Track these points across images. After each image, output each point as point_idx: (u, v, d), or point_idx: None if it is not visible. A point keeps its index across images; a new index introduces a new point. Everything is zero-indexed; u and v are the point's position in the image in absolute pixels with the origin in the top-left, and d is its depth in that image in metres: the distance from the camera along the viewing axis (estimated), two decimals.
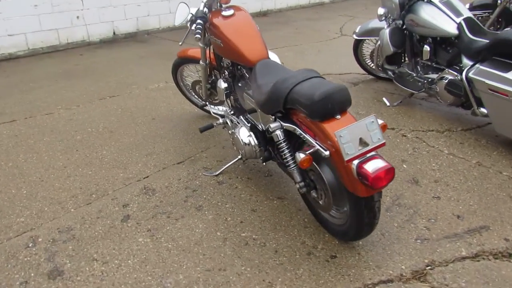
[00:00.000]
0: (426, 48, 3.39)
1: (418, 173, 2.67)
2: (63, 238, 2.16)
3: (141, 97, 4.01)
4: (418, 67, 3.57)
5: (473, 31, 3.10)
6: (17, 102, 3.93)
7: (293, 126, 1.91)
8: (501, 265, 1.94)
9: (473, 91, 2.97)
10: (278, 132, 2.00)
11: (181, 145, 3.09)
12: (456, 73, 3.11)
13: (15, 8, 5.16)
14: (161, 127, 3.37)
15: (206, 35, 2.61)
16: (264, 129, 2.27)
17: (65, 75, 4.69)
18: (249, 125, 2.38)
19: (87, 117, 3.59)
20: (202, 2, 2.57)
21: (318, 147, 1.75)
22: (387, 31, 3.51)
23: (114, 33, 6.16)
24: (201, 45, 2.68)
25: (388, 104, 3.69)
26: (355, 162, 1.63)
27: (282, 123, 1.98)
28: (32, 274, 1.93)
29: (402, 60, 3.72)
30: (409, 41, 3.54)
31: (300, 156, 1.74)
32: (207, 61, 2.78)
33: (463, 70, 3.02)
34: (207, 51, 2.74)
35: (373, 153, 1.66)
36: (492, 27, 4.14)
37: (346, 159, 1.60)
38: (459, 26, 3.14)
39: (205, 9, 2.53)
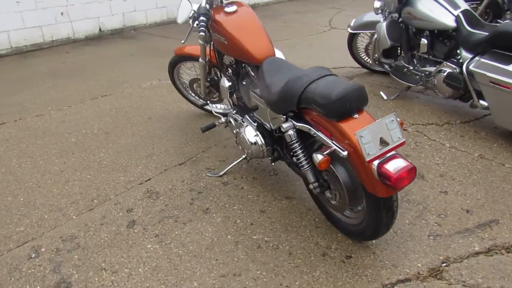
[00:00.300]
0: (424, 41, 3.37)
1: (423, 168, 2.66)
2: (67, 247, 2.07)
3: (135, 96, 3.90)
4: (415, 60, 3.56)
5: (471, 23, 3.09)
6: (5, 104, 3.77)
7: (308, 126, 1.86)
8: None
9: (473, 84, 2.97)
10: (291, 132, 1.94)
11: (181, 145, 3.01)
12: (454, 66, 3.11)
13: None
14: (159, 127, 3.28)
15: (208, 32, 2.53)
16: (272, 128, 2.21)
17: (53, 74, 4.53)
18: (255, 124, 2.32)
19: (80, 118, 3.47)
20: None
21: (335, 147, 1.71)
22: (384, 24, 3.49)
23: (100, 29, 5.99)
24: (201, 42, 2.59)
25: (385, 98, 3.68)
26: (375, 162, 1.60)
27: (295, 122, 1.93)
28: (38, 287, 1.85)
29: (398, 54, 3.71)
30: (405, 34, 3.53)
31: (319, 157, 1.69)
32: (207, 59, 2.70)
33: (462, 63, 3.02)
34: (207, 49, 2.65)
35: (393, 152, 1.63)
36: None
37: (367, 159, 1.57)
38: (457, 19, 3.13)
39: (207, 5, 2.45)
